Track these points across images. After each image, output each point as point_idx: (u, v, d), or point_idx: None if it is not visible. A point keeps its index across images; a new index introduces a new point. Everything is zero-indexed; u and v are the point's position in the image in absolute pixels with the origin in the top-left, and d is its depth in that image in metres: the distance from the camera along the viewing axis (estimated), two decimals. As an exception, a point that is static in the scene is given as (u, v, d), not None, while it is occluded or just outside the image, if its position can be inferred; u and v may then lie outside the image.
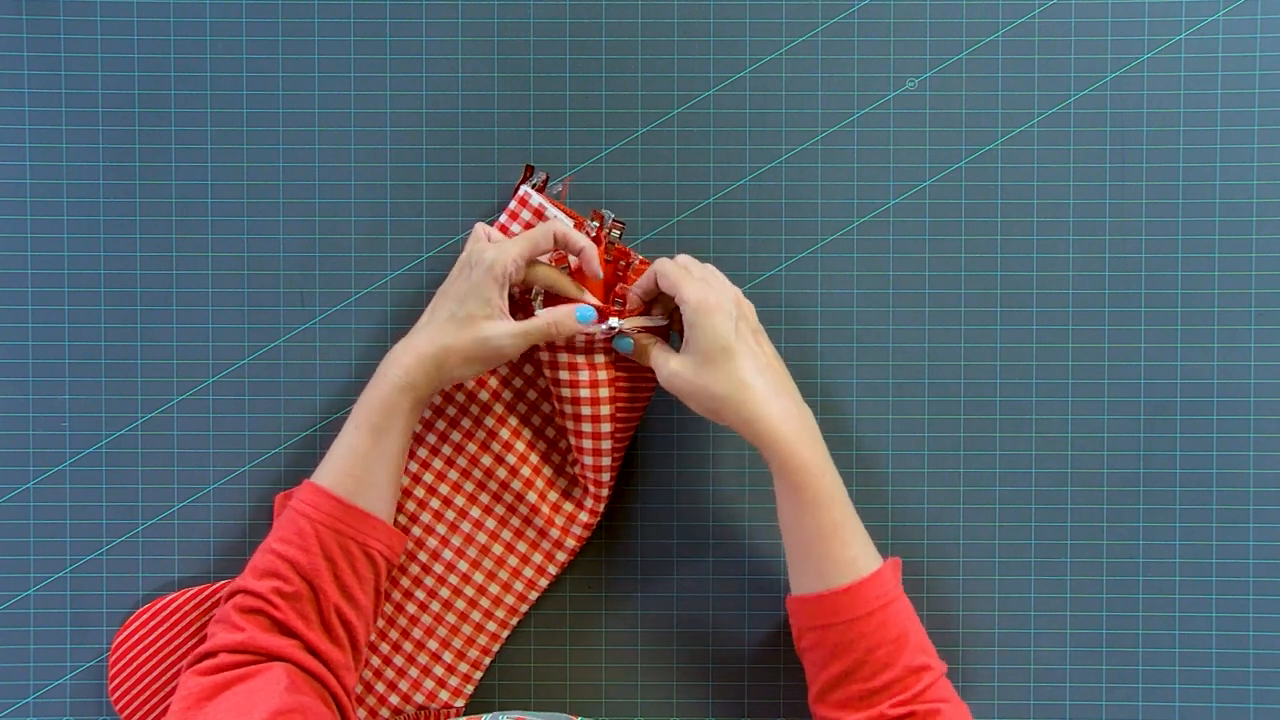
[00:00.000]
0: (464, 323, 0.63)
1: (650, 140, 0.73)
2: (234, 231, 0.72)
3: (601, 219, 0.68)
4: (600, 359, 0.67)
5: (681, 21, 0.72)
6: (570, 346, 0.67)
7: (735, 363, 0.61)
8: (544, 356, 0.68)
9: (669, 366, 0.63)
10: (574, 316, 0.65)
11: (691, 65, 0.72)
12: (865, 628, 0.59)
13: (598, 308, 0.65)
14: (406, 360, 0.63)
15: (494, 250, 0.63)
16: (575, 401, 0.67)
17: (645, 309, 0.67)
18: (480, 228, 0.67)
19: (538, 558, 0.70)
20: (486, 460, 0.70)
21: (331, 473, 0.63)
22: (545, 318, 0.65)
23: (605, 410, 0.67)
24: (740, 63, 0.73)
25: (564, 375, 0.67)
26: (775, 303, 0.73)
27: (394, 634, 0.70)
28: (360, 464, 0.63)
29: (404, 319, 0.72)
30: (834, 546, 0.60)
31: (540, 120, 0.73)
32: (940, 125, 0.72)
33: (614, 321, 0.66)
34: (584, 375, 0.67)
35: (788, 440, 0.61)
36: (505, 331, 0.63)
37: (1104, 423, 0.72)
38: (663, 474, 0.73)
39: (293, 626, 0.60)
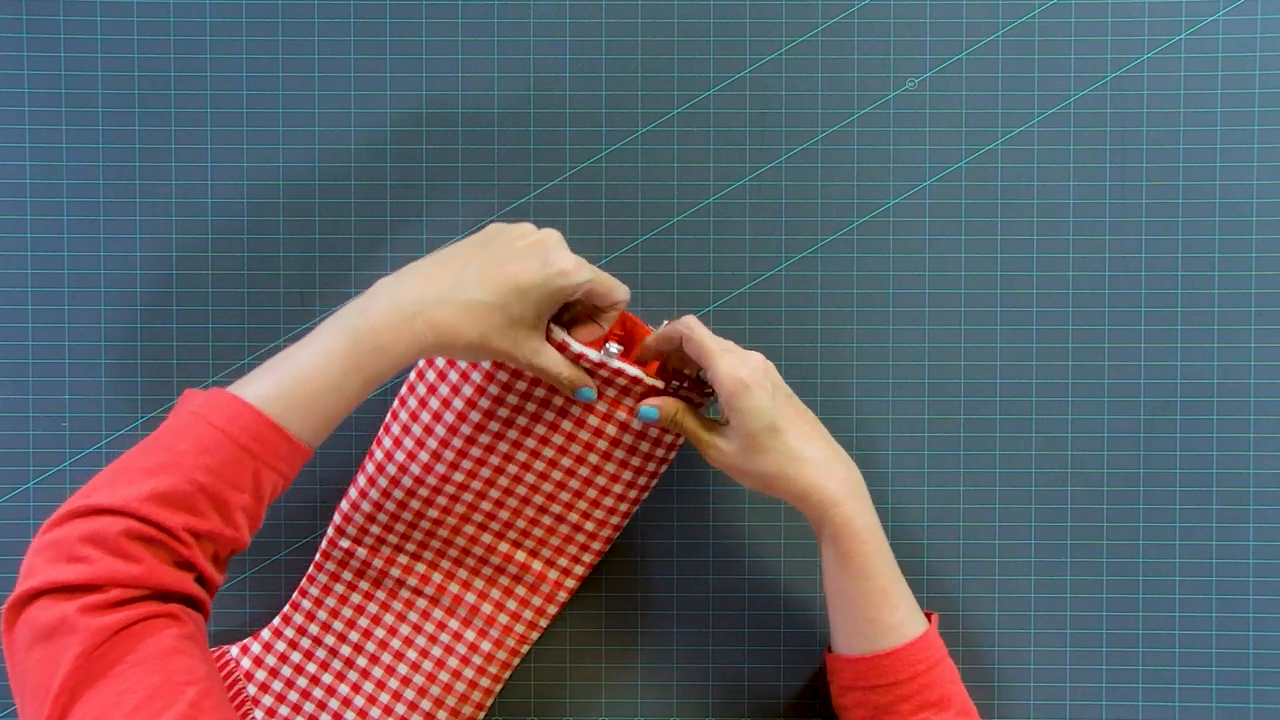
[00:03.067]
0: (515, 324, 0.58)
1: (650, 140, 0.73)
2: (234, 231, 0.72)
3: None
4: (622, 418, 0.65)
5: (681, 21, 0.73)
6: (593, 409, 0.65)
7: (783, 439, 0.59)
8: (574, 410, 0.65)
9: (716, 449, 0.61)
10: (580, 391, 0.62)
11: (691, 65, 0.72)
12: (909, 690, 0.59)
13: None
14: (445, 327, 0.57)
15: (574, 265, 0.59)
16: (595, 469, 0.66)
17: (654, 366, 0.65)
18: (555, 235, 0.61)
19: (529, 614, 0.70)
20: (469, 529, 0.68)
21: (286, 400, 0.55)
22: (569, 374, 0.61)
23: (627, 476, 0.67)
24: (740, 63, 0.73)
25: (584, 435, 0.66)
26: (775, 303, 0.73)
27: (385, 697, 0.69)
28: (335, 403, 0.56)
29: (404, 319, 0.72)
30: (883, 611, 0.60)
31: (540, 120, 0.73)
32: (940, 125, 0.72)
33: (611, 357, 0.62)
34: (604, 439, 0.65)
35: (842, 509, 0.60)
36: (529, 356, 0.60)
37: (1104, 423, 0.72)
38: (664, 474, 0.72)
39: (194, 561, 0.52)
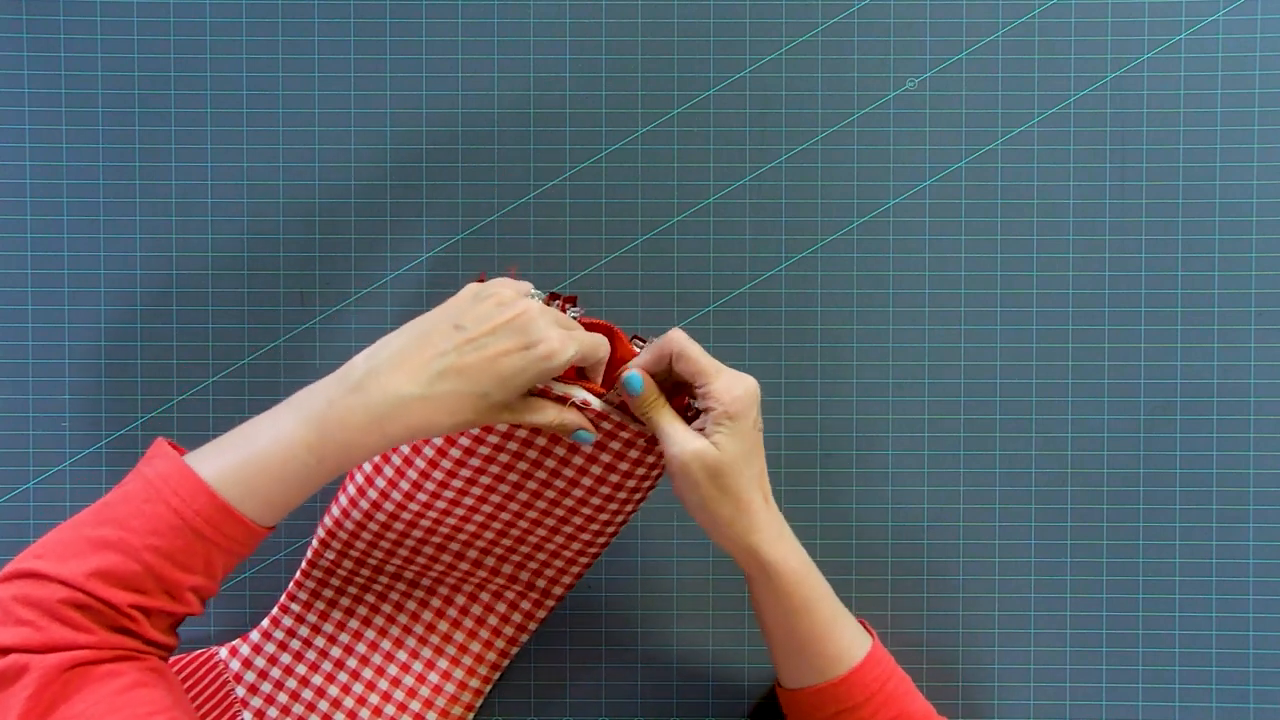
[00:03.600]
0: (494, 407, 0.55)
1: (650, 140, 0.73)
2: (234, 231, 0.72)
3: (568, 302, 0.62)
4: (628, 434, 0.62)
5: (681, 21, 0.73)
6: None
7: (745, 472, 0.57)
8: (557, 448, 0.63)
9: (680, 449, 0.57)
10: (577, 434, 0.59)
11: (691, 65, 0.73)
12: (866, 711, 0.59)
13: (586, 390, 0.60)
14: (419, 425, 0.53)
15: (559, 345, 0.55)
16: (599, 479, 0.64)
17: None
18: (537, 306, 0.56)
19: (518, 617, 0.69)
20: (455, 546, 0.68)
21: (246, 485, 0.53)
22: (560, 419, 0.58)
23: (631, 484, 0.65)
24: (740, 63, 0.73)
25: (568, 472, 0.64)
26: (775, 303, 0.73)
27: (374, 698, 0.69)
28: (297, 493, 0.54)
29: (403, 319, 0.72)
30: (828, 643, 0.59)
31: (540, 120, 0.73)
32: (940, 125, 0.72)
33: (587, 398, 0.59)
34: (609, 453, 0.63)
35: (772, 551, 0.58)
36: (510, 419, 0.57)
37: (1104, 423, 0.72)
38: (665, 474, 0.72)
39: (142, 634, 0.51)
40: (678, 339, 0.58)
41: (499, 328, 0.54)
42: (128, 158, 0.72)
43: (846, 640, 0.60)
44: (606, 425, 0.62)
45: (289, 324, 0.73)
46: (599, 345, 0.59)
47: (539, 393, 0.59)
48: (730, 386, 0.56)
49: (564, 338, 0.55)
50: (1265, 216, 0.72)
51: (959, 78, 0.72)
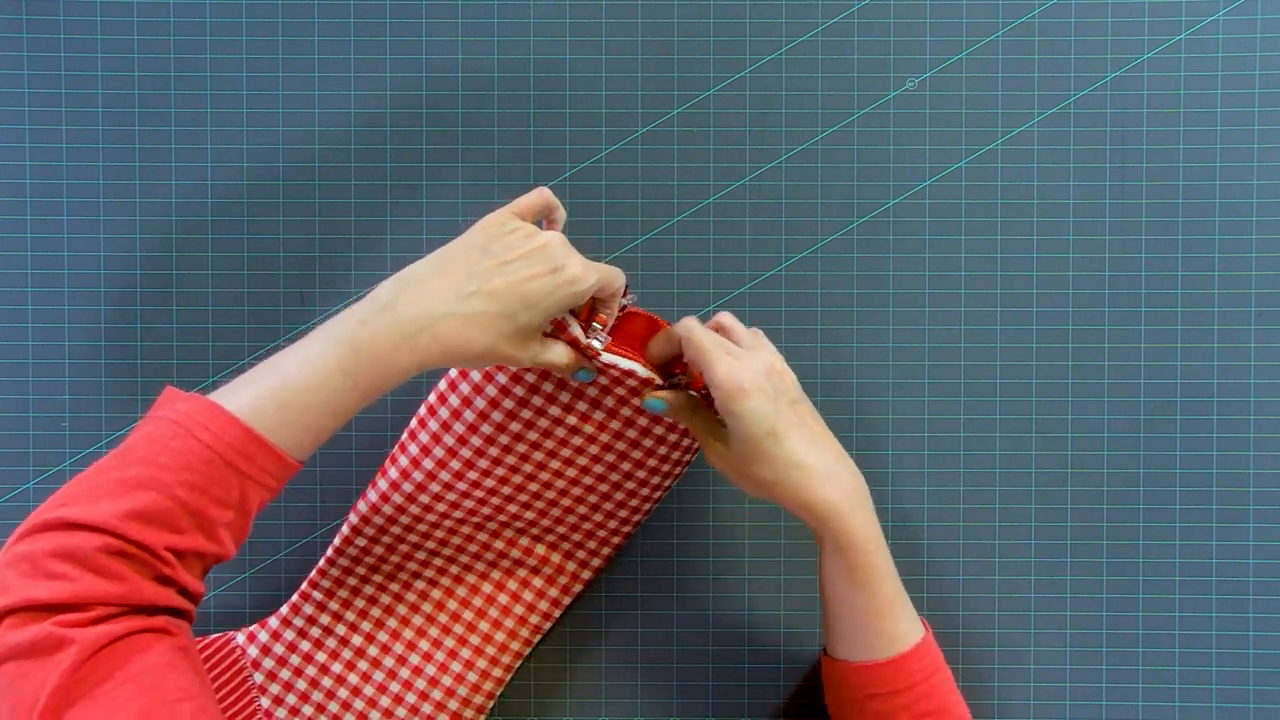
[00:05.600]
0: (521, 331, 0.56)
1: (650, 140, 0.73)
2: (234, 231, 0.72)
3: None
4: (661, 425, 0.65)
5: (681, 21, 0.73)
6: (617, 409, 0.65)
7: (783, 445, 0.57)
8: (613, 423, 0.65)
9: (716, 452, 0.60)
10: (576, 374, 0.62)
11: (691, 65, 0.72)
12: (909, 698, 0.59)
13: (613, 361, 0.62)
14: (451, 342, 0.54)
15: (582, 272, 0.57)
16: (629, 466, 0.67)
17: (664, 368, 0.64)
18: (559, 237, 0.58)
19: (544, 605, 0.70)
20: (492, 526, 0.69)
21: (278, 415, 0.52)
22: (571, 361, 0.61)
23: (656, 476, 0.67)
24: (740, 63, 0.73)
25: (621, 445, 0.66)
26: (775, 303, 0.73)
27: (395, 686, 0.69)
28: (329, 419, 0.54)
29: (404, 319, 0.72)
30: (886, 621, 0.59)
31: (540, 120, 0.73)
32: (940, 125, 0.72)
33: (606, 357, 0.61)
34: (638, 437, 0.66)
35: (845, 519, 0.58)
36: (534, 356, 0.58)
37: (1104, 423, 0.72)
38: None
39: (176, 578, 0.50)
40: (684, 324, 0.60)
41: (525, 255, 0.56)
42: (128, 158, 0.72)
43: (904, 624, 0.60)
44: (633, 382, 0.63)
45: (289, 324, 0.73)
46: (615, 276, 0.61)
47: (578, 348, 0.61)
48: (732, 371, 0.57)
49: (586, 266, 0.58)
50: (1265, 216, 0.72)
51: (959, 78, 0.72)
